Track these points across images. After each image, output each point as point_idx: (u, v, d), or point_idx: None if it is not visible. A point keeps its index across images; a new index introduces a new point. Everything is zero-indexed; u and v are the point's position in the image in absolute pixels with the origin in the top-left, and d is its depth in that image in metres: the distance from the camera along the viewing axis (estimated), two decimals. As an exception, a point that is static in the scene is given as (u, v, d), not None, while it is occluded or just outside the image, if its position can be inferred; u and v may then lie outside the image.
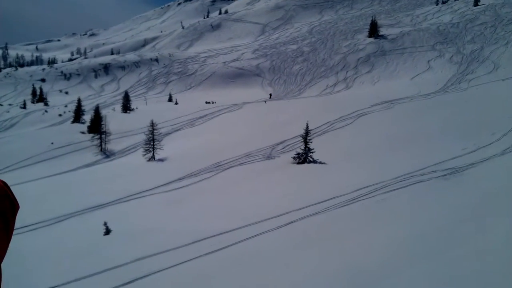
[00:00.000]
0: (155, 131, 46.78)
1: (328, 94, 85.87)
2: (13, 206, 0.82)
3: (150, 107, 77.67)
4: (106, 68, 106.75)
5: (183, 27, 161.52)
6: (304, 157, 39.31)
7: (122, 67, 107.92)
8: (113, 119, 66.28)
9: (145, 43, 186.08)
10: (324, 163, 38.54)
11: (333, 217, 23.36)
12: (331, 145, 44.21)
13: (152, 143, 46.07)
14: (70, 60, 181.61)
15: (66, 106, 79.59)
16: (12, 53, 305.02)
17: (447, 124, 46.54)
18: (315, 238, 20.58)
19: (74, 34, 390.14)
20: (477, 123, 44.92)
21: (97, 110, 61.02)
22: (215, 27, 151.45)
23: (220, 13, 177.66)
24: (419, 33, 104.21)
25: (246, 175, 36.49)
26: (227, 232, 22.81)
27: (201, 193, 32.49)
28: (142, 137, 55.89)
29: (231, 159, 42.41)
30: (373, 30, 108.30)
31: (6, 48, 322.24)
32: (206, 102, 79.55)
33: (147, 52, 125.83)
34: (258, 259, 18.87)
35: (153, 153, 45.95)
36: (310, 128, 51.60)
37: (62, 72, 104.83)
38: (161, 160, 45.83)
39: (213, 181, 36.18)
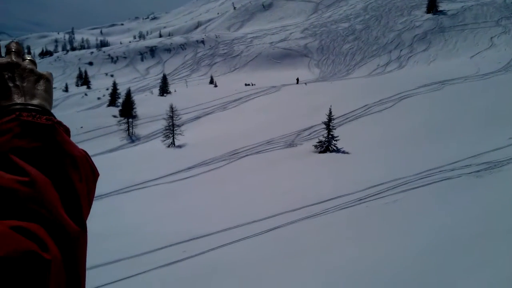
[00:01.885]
0: (175, 117, 44.42)
1: (379, 74, 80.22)
2: (94, 173, 0.93)
3: (188, 90, 75.89)
4: (153, 51, 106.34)
5: (234, 8, 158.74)
6: (326, 146, 35.50)
7: (168, 50, 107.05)
8: (148, 102, 65.20)
9: (198, 25, 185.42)
10: (347, 153, 34.59)
11: (323, 224, 19.82)
12: (362, 132, 39.96)
13: (172, 129, 43.81)
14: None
15: (107, 89, 79.52)
16: (78, 37, 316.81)
17: (498, 108, 40.77)
18: (289, 251, 17.21)
19: (136, 18, 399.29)
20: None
21: (128, 94, 59.82)
22: (267, 7, 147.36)
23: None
24: (482, 8, 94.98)
25: (258, 166, 33.34)
26: (199, 237, 19.92)
27: (203, 185, 29.79)
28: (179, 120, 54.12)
29: (250, 146, 39.37)
30: (432, 6, 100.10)
31: (72, 32, 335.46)
32: (246, 85, 76.68)
33: (194, 34, 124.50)
34: (215, 275, 15.86)
35: (173, 139, 43.71)
36: (344, 112, 47.63)
37: (109, 55, 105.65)
38: (180, 146, 43.60)
39: (222, 171, 33.37)
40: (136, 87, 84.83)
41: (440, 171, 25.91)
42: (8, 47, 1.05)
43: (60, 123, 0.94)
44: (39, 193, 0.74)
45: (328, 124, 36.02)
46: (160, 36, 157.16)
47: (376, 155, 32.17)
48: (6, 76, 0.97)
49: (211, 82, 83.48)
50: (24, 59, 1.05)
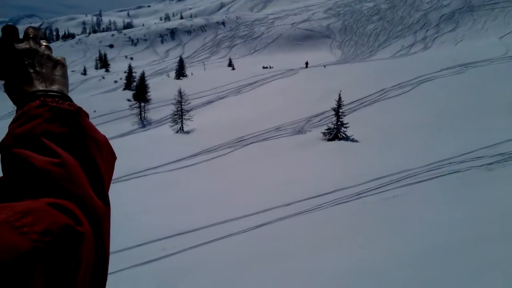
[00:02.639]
0: (184, 102, 43.43)
1: (403, 56, 77.27)
2: (113, 156, 0.98)
3: (205, 73, 74.84)
4: (173, 33, 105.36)
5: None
6: (335, 133, 33.96)
7: (188, 32, 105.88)
8: (163, 86, 64.50)
9: (221, 6, 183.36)
10: (356, 141, 32.99)
11: (313, 221, 18.57)
12: (375, 118, 38.18)
13: (180, 114, 42.88)
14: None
15: (125, 72, 79.17)
16: (105, 19, 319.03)
17: (524, 93, 38.31)
18: (271, 251, 16.07)
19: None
20: None
21: (142, 77, 59.09)
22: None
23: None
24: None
25: (261, 154, 32.13)
26: (182, 233, 18.99)
27: (201, 175, 28.82)
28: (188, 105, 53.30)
29: (258, 132, 38.14)
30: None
31: (100, 14, 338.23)
32: (263, 67, 75.11)
33: (215, 16, 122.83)
34: (185, 278, 14.91)
35: (182, 125, 42.81)
36: (360, 96, 45.71)
37: (130, 37, 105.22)
38: (188, 132, 42.67)
39: (224, 159, 32.31)
40: (155, 70, 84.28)
41: (449, 163, 24.21)
42: (26, 33, 1.06)
43: (81, 108, 0.97)
44: (70, 173, 0.80)
45: (337, 110, 34.42)
46: (181, 18, 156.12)
47: (385, 144, 30.51)
48: (26, 62, 1.00)
49: (229, 64, 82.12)
50: (41, 45, 1.06)
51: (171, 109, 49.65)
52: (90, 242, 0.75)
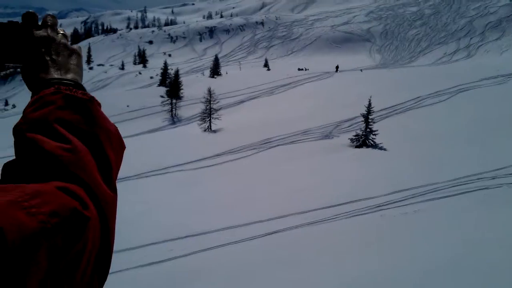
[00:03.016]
0: (213, 101, 43.18)
1: (444, 63, 74.73)
2: (121, 146, 1.01)
3: (240, 73, 74.59)
4: (212, 32, 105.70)
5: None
6: (363, 140, 32.90)
7: (227, 31, 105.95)
8: (197, 84, 64.52)
9: (262, 6, 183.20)
10: (384, 149, 31.85)
11: (325, 233, 17.82)
12: (407, 127, 36.83)
13: (209, 113, 42.69)
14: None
15: (161, 68, 79.94)
16: (150, 16, 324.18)
17: None
18: (277, 261, 15.45)
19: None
20: None
21: (176, 74, 59.40)
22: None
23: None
24: None
25: (284, 158, 31.46)
26: (192, 235, 18.60)
27: (221, 176, 28.46)
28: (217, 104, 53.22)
29: (285, 135, 37.47)
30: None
31: (145, 11, 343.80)
32: (299, 69, 74.11)
33: (254, 16, 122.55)
34: (194, 281, 14.52)
35: (210, 124, 42.60)
36: (394, 103, 44.29)
37: (169, 34, 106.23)
38: (216, 131, 42.43)
39: (247, 161, 31.83)
40: (191, 67, 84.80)
41: (479, 179, 22.89)
42: (44, 20, 1.07)
43: (94, 97, 0.98)
44: (80, 159, 0.82)
45: (367, 117, 33.33)
46: (221, 16, 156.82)
47: (415, 154, 29.26)
48: (43, 49, 1.01)
49: (265, 65, 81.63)
50: (58, 33, 1.07)
51: (201, 107, 49.58)
52: (96, 226, 0.77)
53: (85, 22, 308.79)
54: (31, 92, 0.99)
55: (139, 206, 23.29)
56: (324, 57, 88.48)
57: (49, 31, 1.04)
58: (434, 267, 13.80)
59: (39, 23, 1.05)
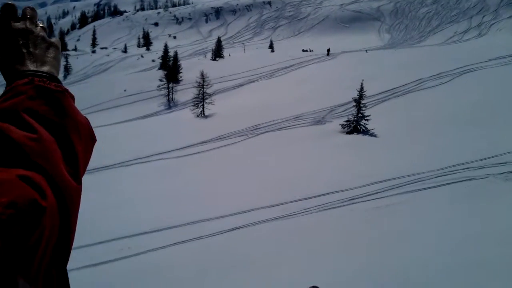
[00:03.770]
0: (206, 85, 42.04)
1: (454, 42, 72.10)
2: (92, 139, 1.02)
3: (243, 55, 73.11)
4: (218, 13, 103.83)
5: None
6: (354, 126, 31.55)
7: (233, 11, 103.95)
8: (198, 67, 63.28)
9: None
10: (375, 136, 30.50)
11: (290, 228, 16.78)
12: (403, 110, 35.38)
13: (202, 98, 41.62)
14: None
15: (163, 51, 78.89)
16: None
17: None
18: (231, 261, 14.51)
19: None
20: None
21: (175, 58, 58.41)
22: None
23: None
24: None
25: (272, 144, 30.37)
26: (150, 232, 17.74)
27: (203, 164, 27.54)
28: (212, 88, 52.15)
29: (276, 120, 36.33)
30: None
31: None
32: (303, 50, 72.34)
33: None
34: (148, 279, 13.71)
35: (203, 109, 41.56)
36: (393, 86, 42.61)
37: (175, 16, 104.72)
38: (208, 116, 41.39)
39: (234, 148, 30.85)
40: (195, 50, 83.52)
41: (465, 168, 21.49)
42: (23, 12, 1.08)
43: (67, 90, 0.99)
44: (44, 149, 0.82)
45: (359, 102, 31.90)
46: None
47: (405, 141, 27.93)
48: (21, 42, 1.02)
49: (270, 46, 79.89)
50: (36, 26, 1.07)
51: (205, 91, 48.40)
52: (55, 217, 0.76)
53: (98, 4, 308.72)
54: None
55: (112, 198, 22.54)
56: (332, 37, 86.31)
57: (27, 23, 1.05)
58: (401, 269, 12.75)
59: (19, 15, 1.06)
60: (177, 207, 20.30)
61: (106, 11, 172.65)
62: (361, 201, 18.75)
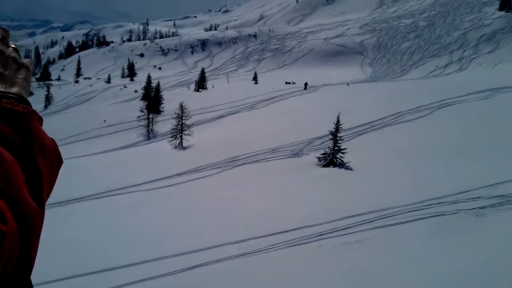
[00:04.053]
0: (185, 117, 41.72)
1: (435, 76, 73.08)
2: (58, 162, 1.00)
3: (226, 86, 73.27)
4: (204, 44, 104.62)
5: (297, 1, 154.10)
6: (330, 159, 31.29)
7: (219, 43, 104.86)
8: (181, 98, 63.09)
9: (260, 18, 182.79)
10: (350, 169, 30.21)
11: (257, 264, 16.17)
12: (380, 144, 35.31)
13: (180, 129, 41.22)
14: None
15: (146, 82, 78.80)
16: (152, 28, 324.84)
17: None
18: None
19: (209, 10, 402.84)
20: None
21: (157, 89, 58.29)
22: (330, 0, 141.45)
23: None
24: None
25: (247, 177, 29.95)
26: (101, 271, 16.98)
27: (174, 198, 26.95)
28: (192, 119, 51.82)
29: (254, 153, 35.96)
30: (505, 2, 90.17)
31: (147, 23, 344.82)
32: (286, 83, 72.82)
33: (247, 28, 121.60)
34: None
35: (181, 140, 41.11)
36: (373, 119, 42.67)
37: (161, 47, 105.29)
38: (186, 148, 40.92)
39: (210, 180, 30.34)
40: (179, 81, 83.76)
41: (439, 203, 21.20)
42: None
43: (34, 112, 0.98)
44: (7, 172, 0.80)
45: (335, 135, 31.72)
46: (215, 29, 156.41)
47: (380, 174, 27.68)
48: None
49: (254, 78, 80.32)
50: (8, 46, 1.07)
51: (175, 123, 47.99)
52: (14, 240, 0.74)
53: (87, 35, 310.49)
54: None
55: (71, 234, 21.75)
56: (316, 70, 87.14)
57: None
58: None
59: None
60: (134, 244, 19.59)
61: (94, 41, 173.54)
62: (331, 237, 18.28)
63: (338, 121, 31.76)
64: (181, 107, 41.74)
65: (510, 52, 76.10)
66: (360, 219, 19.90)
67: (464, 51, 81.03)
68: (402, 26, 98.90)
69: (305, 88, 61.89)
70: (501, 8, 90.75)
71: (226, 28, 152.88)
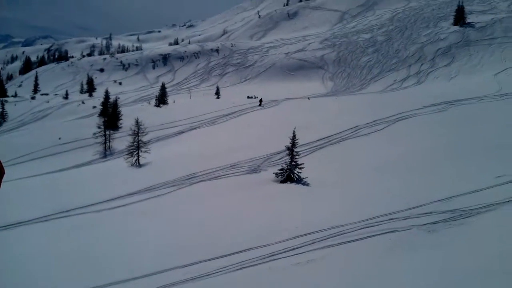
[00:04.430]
0: (141, 133, 40.76)
1: (394, 90, 74.57)
2: (1, 171, 0.99)
3: (188, 101, 72.60)
4: (165, 59, 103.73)
5: (259, 16, 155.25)
6: (287, 174, 30.97)
7: (181, 58, 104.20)
8: (140, 113, 61.97)
9: (224, 33, 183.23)
10: (307, 185, 29.93)
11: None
12: (337, 159, 35.36)
13: (136, 146, 40.21)
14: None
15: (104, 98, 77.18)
16: (115, 43, 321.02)
17: (502, 136, 35.21)
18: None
19: (173, 25, 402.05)
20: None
21: (115, 104, 57.09)
22: (292, 15, 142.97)
23: (300, 0, 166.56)
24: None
25: (202, 196, 29.28)
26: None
27: (120, 220, 25.94)
28: (152, 135, 50.84)
29: (212, 169, 35.32)
30: (460, 17, 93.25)
31: (110, 38, 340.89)
32: (248, 97, 72.84)
33: (209, 43, 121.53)
34: None
35: (138, 158, 40.08)
36: (330, 133, 42.79)
37: (121, 62, 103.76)
38: (142, 165, 39.88)
39: (160, 200, 29.41)
40: (140, 96, 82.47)
41: (390, 219, 21.05)
42: None
43: None
44: None
45: (292, 150, 31.46)
46: (176, 43, 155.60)
47: (335, 190, 27.52)
48: None
49: (217, 93, 79.92)
50: None
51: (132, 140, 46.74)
52: None
53: (48, 50, 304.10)
54: None
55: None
56: (278, 84, 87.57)
57: None
58: None
59: None
60: (65, 273, 18.56)
61: (55, 56, 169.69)
62: (283, 257, 17.78)
63: (294, 136, 31.50)
64: (137, 123, 40.75)
65: (465, 66, 78.41)
66: (312, 238, 19.51)
67: (422, 64, 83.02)
68: (361, 40, 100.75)
69: (260, 104, 61.41)
70: (455, 23, 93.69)
71: (189, 43, 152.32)
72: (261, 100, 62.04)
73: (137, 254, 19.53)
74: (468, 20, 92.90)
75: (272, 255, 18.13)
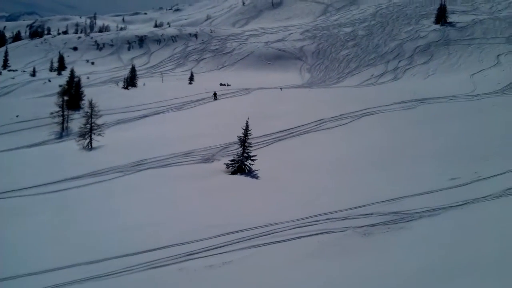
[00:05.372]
0: (95, 115, 38.93)
1: (369, 85, 73.50)
2: None
3: (159, 85, 70.57)
4: (142, 41, 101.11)
5: (243, 3, 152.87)
6: (238, 166, 29.64)
7: (158, 41, 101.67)
8: (106, 95, 59.88)
9: (207, 18, 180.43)
10: (256, 178, 28.72)
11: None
12: (294, 151, 34.20)
13: (90, 128, 38.40)
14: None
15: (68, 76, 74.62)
16: (100, 22, 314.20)
17: (466, 137, 34.45)
18: None
19: (160, 8, 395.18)
20: (509, 141, 32.55)
21: (77, 84, 54.87)
22: (276, 5, 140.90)
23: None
24: (494, 22, 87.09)
25: (147, 183, 27.84)
26: None
27: (56, 206, 24.31)
28: (114, 118, 49.05)
29: (164, 156, 33.83)
30: (441, 16, 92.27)
31: (94, 17, 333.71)
32: (221, 84, 71.10)
33: (188, 27, 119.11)
34: None
35: (90, 141, 38.29)
36: (294, 125, 41.52)
37: (96, 41, 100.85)
38: (95, 148, 38.13)
39: (103, 186, 27.92)
40: (112, 77, 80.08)
41: (327, 219, 19.86)
42: None
43: None
44: None
45: (244, 140, 30.11)
46: (156, 26, 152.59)
47: (282, 185, 26.34)
48: None
49: (191, 78, 77.94)
50: None
51: (102, 120, 44.56)
52: None
53: (31, 26, 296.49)
54: None
55: None
56: (254, 73, 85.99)
57: None
58: None
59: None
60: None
61: (39, 32, 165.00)
62: (200, 257, 16.46)
63: (247, 127, 30.15)
64: (91, 104, 38.91)
65: (443, 65, 77.65)
66: (240, 236, 18.21)
67: (400, 61, 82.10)
68: (342, 34, 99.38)
69: (215, 98, 57.61)
70: (437, 22, 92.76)
71: (169, 26, 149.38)
72: (215, 94, 58.25)
73: (43, 248, 18.02)
74: (449, 20, 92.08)
75: (189, 255, 16.79)
